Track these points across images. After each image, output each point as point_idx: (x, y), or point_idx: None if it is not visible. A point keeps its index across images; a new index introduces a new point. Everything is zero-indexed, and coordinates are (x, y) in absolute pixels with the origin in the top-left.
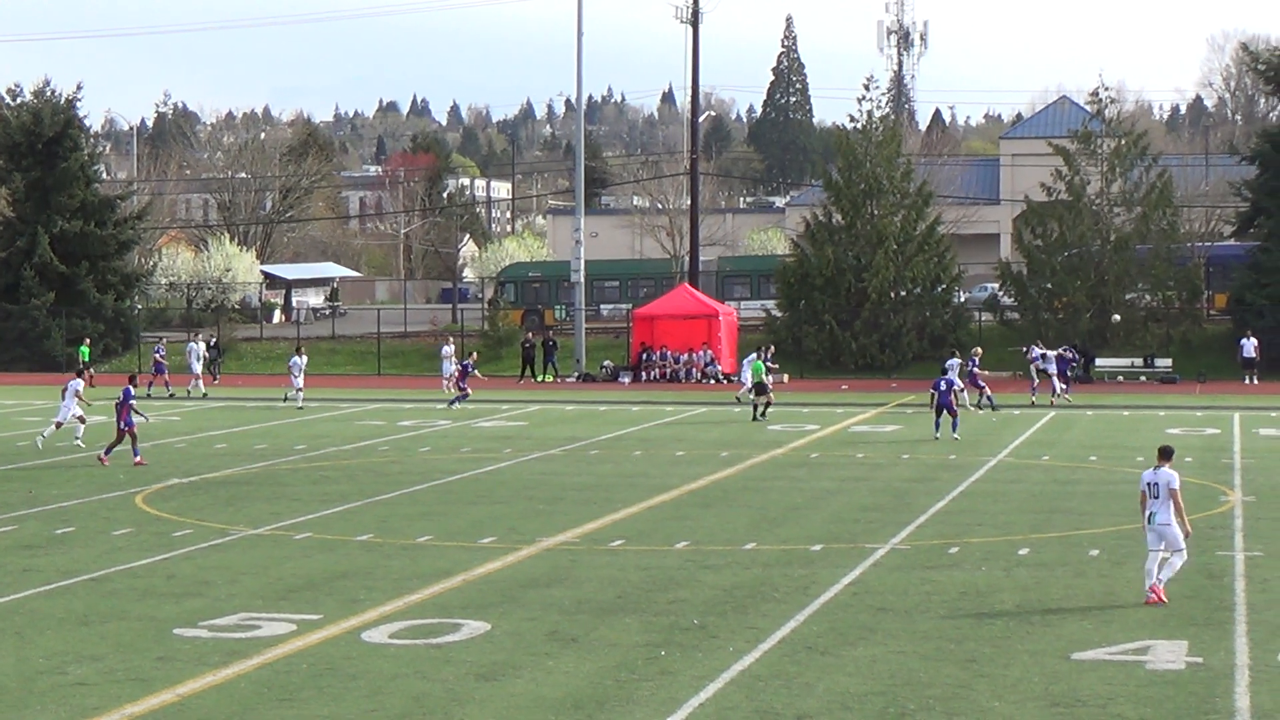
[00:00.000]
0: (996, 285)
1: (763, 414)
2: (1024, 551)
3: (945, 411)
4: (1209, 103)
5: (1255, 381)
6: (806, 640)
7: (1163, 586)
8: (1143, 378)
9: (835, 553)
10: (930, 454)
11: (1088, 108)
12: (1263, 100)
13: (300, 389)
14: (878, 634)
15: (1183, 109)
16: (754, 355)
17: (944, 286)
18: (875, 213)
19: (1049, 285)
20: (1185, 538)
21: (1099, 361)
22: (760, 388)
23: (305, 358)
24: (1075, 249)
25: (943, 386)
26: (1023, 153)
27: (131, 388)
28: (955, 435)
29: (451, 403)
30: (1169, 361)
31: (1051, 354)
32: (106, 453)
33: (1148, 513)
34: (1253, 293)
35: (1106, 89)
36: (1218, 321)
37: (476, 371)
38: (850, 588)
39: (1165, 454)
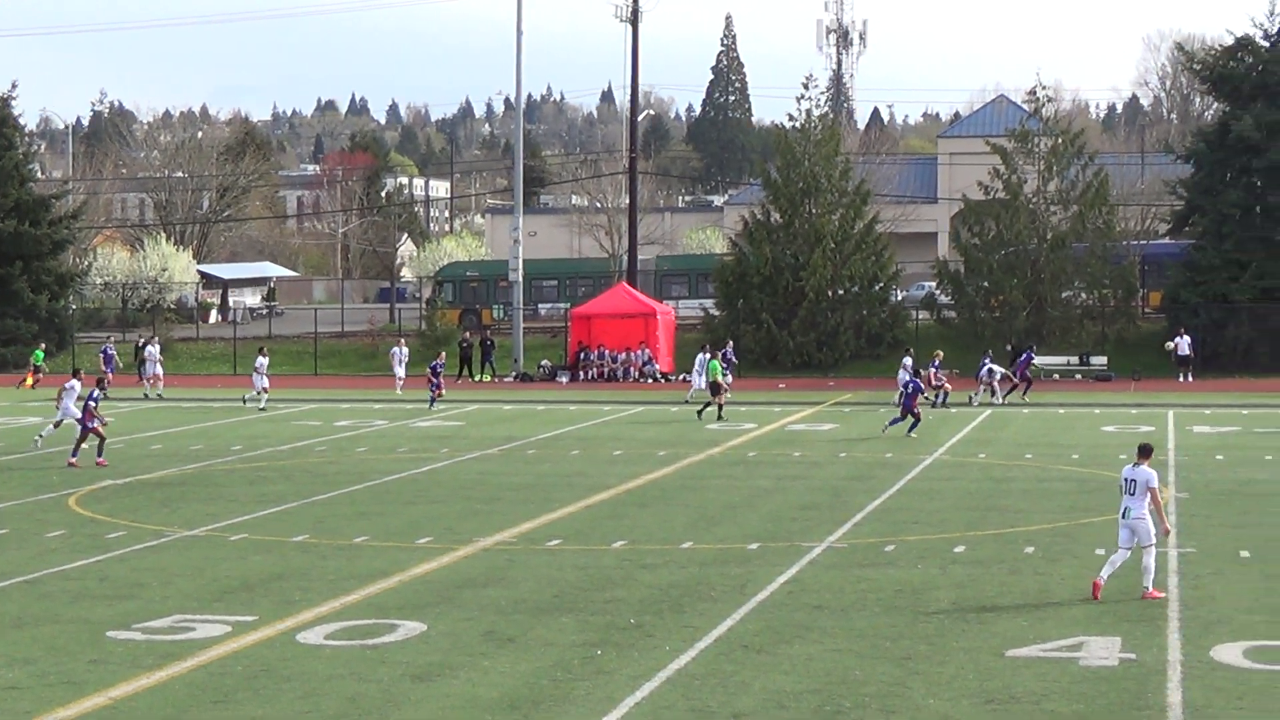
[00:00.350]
0: (934, 284)
1: (719, 415)
2: (960, 549)
3: (906, 413)
4: (1145, 102)
5: (1190, 379)
6: (743, 639)
7: (1152, 588)
8: (1078, 375)
9: (772, 551)
10: (867, 452)
11: (1025, 107)
12: (1198, 99)
13: (265, 389)
14: (814, 632)
15: (1119, 108)
16: (706, 354)
17: (881, 285)
18: (813, 211)
19: (986, 284)
20: (1165, 535)
21: (1035, 359)
22: (715, 387)
23: (267, 358)
24: (1012, 247)
25: (910, 389)
26: (960, 151)
27: (98, 390)
28: (912, 434)
29: (431, 403)
30: (1104, 359)
31: (998, 369)
32: (99, 454)
33: (1123, 507)
34: (1187, 291)
35: (1044, 88)
36: (1153, 320)
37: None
38: (786, 586)
39: (1144, 451)
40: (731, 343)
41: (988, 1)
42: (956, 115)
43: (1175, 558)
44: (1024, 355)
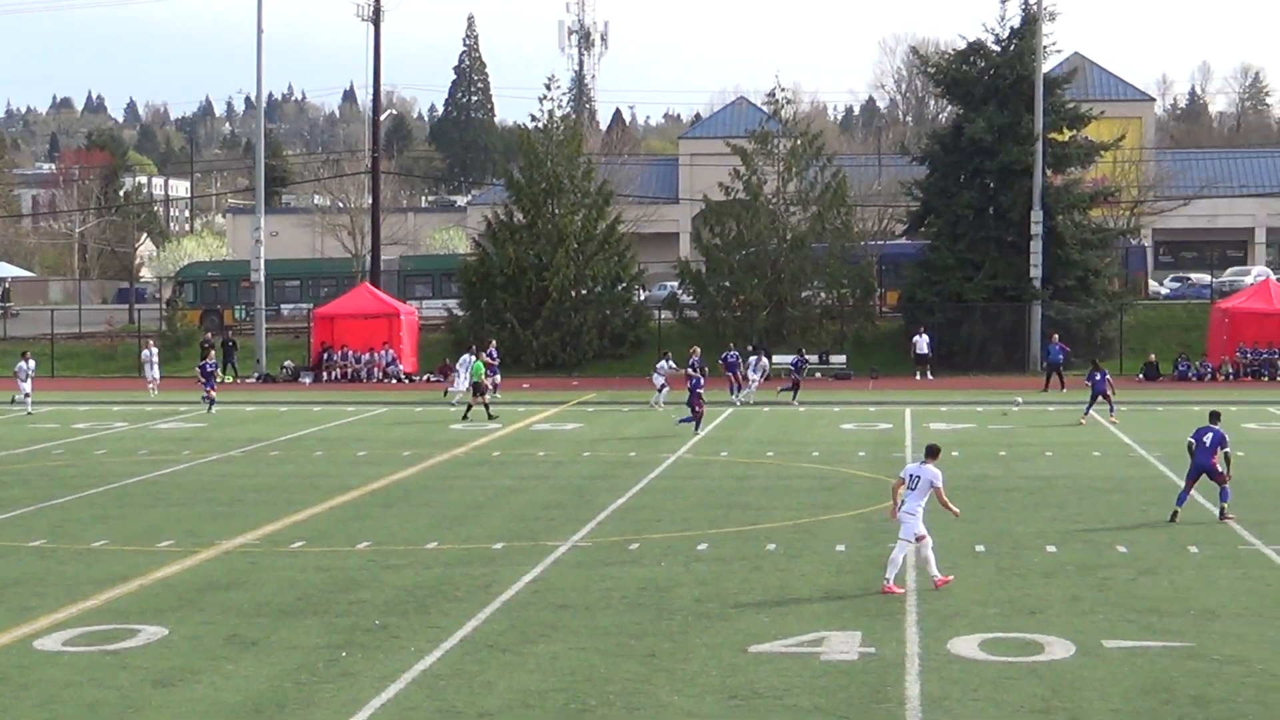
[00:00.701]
0: (676, 283)
1: (488, 414)
2: (703, 547)
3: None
4: (881, 104)
5: (930, 377)
6: (488, 639)
7: (892, 583)
8: (818, 374)
9: (517, 551)
10: (611, 451)
11: (765, 108)
12: (932, 102)
13: (28, 394)
14: (559, 631)
15: (856, 110)
16: (470, 355)
17: (624, 285)
18: (556, 212)
19: (727, 283)
20: (955, 516)
21: (776, 359)
22: (478, 387)
23: (33, 362)
24: (752, 247)
25: (695, 385)
26: (701, 152)
27: None
28: (681, 424)
29: (210, 405)
30: (844, 358)
31: (755, 360)
32: None
33: (899, 501)
34: (923, 290)
35: (783, 90)
36: (890, 319)
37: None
38: (531, 585)
39: (932, 451)
40: (494, 342)
41: (728, 4)
42: (697, 117)
43: (912, 552)
44: (796, 359)
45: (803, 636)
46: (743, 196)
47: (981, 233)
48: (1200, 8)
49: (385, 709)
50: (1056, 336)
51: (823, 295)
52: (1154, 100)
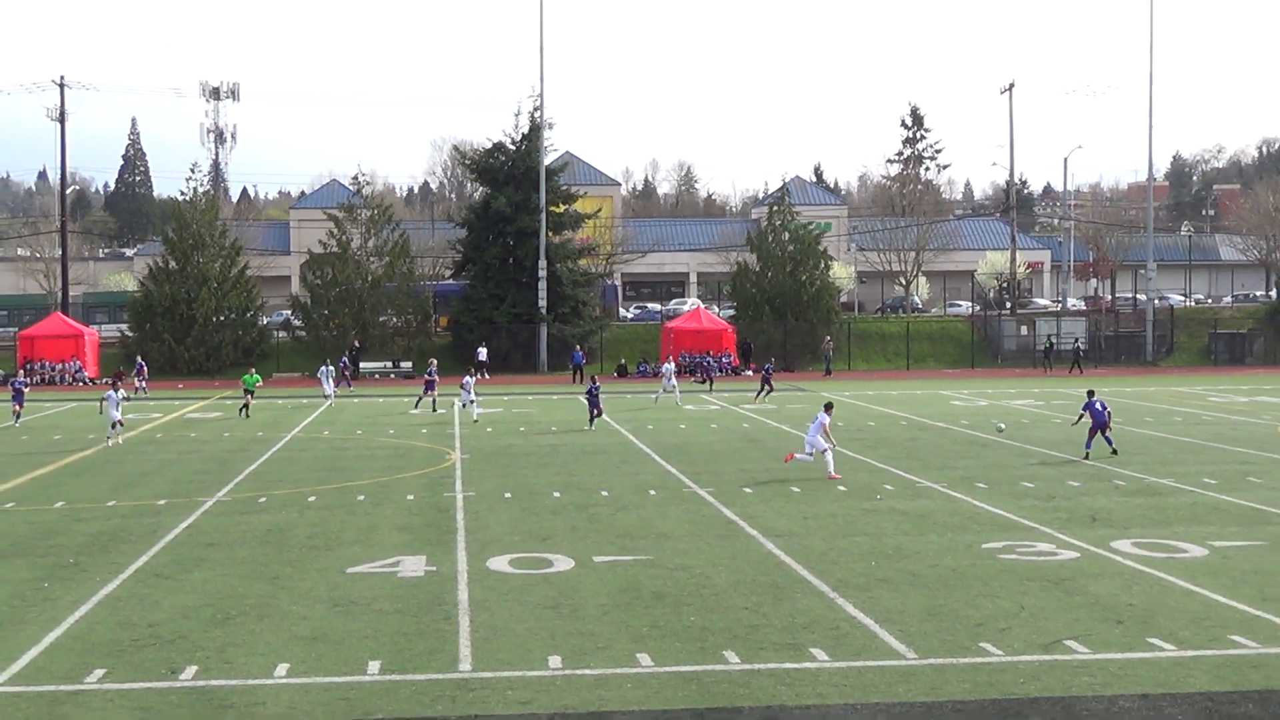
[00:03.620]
0: (289, 312)
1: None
2: (312, 499)
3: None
4: (433, 185)
5: (486, 376)
6: (155, 570)
7: (831, 471)
8: (391, 375)
9: (176, 505)
10: (243, 432)
11: (350, 187)
12: (469, 185)
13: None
14: (208, 562)
15: (415, 189)
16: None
17: (251, 313)
18: (200, 260)
19: (326, 312)
20: (833, 446)
21: (363, 365)
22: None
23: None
24: (343, 286)
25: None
26: (306, 219)
27: None
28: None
29: None
30: (410, 363)
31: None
32: None
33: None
34: (465, 316)
35: (363, 174)
36: (442, 336)
37: None
38: (187, 530)
39: (828, 407)
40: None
41: (322, 113)
42: (303, 193)
43: (461, 499)
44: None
45: (385, 560)
46: (336, 250)
47: (505, 275)
48: (651, 118)
49: (78, 623)
50: (580, 346)
51: (395, 320)
52: (620, 184)
